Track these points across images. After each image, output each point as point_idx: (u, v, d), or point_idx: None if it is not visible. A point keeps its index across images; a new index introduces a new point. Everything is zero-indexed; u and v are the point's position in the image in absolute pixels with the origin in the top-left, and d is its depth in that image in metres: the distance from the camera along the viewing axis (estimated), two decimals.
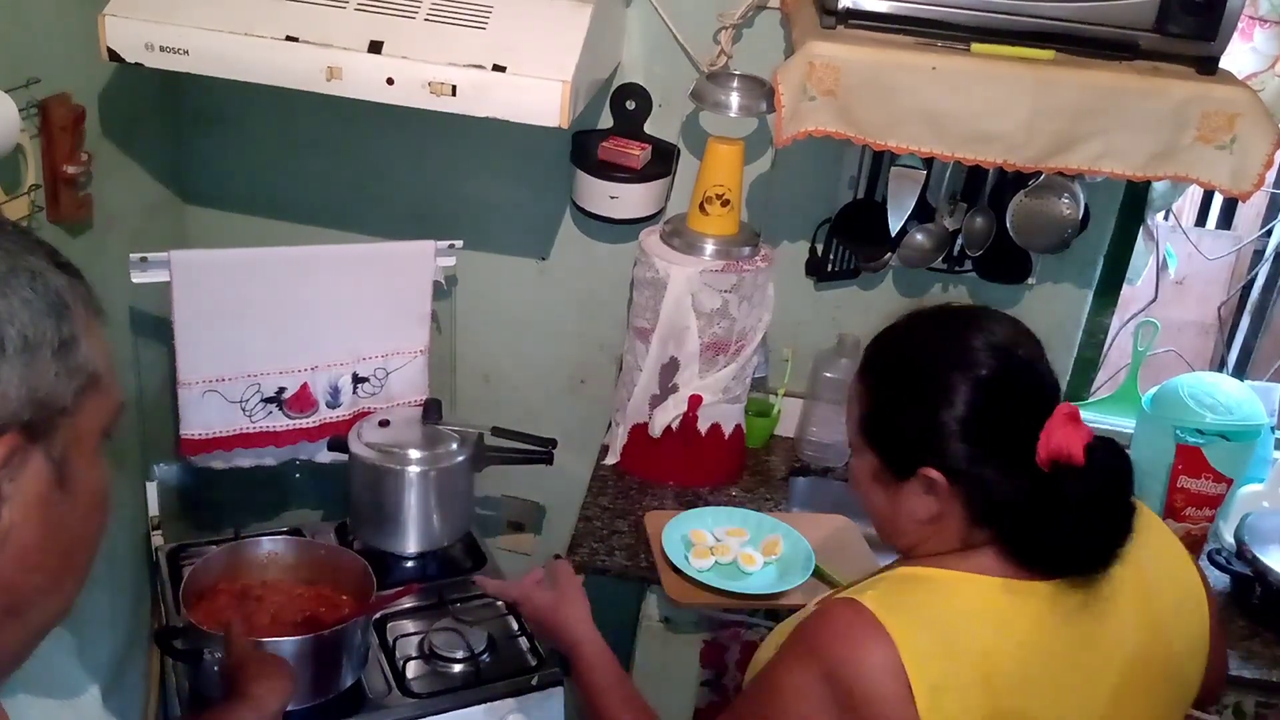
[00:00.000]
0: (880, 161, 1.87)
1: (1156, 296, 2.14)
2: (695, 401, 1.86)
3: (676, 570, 1.65)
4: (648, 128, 1.93)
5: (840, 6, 1.56)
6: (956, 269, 1.97)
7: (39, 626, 0.66)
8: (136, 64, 1.56)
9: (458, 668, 1.60)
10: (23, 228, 0.65)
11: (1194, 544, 1.77)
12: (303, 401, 1.89)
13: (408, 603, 1.71)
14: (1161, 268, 2.10)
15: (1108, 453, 1.02)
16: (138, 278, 1.71)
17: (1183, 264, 2.38)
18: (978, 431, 1.03)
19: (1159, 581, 1.10)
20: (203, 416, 1.82)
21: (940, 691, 0.97)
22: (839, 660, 0.99)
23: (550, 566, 1.45)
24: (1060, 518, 1.01)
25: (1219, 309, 2.47)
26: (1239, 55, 1.75)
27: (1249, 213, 2.72)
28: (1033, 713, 1.01)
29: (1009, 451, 1.03)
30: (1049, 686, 1.03)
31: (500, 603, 1.75)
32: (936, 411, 1.04)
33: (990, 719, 0.99)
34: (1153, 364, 2.10)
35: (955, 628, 1.01)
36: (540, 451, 1.91)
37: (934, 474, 1.05)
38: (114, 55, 1.55)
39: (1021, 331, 1.09)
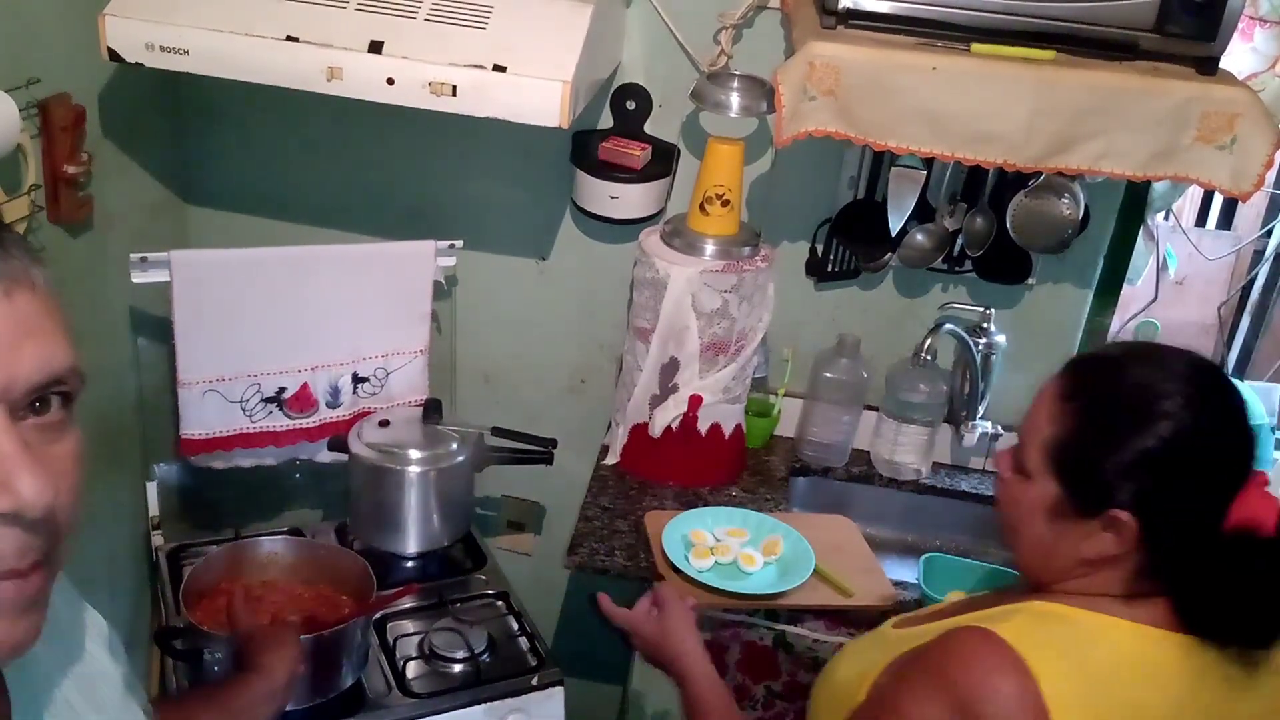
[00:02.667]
0: (880, 161, 1.87)
1: (1156, 296, 2.14)
2: (695, 401, 1.86)
3: (676, 570, 1.65)
4: (648, 128, 1.93)
5: (840, 6, 1.56)
6: (956, 269, 1.97)
7: None
8: (136, 64, 1.56)
9: (458, 668, 1.60)
10: None
11: None
12: (303, 401, 1.89)
13: (408, 603, 1.71)
14: (1161, 268, 2.11)
15: None
16: (138, 278, 1.71)
17: (1183, 264, 2.38)
18: (1184, 482, 0.98)
19: None
20: (203, 416, 1.82)
21: None
22: (972, 690, 0.95)
23: (656, 592, 1.37)
24: (1241, 585, 0.97)
25: (1219, 309, 2.48)
26: (1239, 55, 1.76)
27: (1249, 213, 2.72)
28: None
29: (1204, 508, 0.99)
30: None
31: (500, 603, 1.76)
32: (1150, 453, 0.97)
33: None
34: None
35: (1105, 675, 0.98)
36: (540, 451, 1.91)
37: (1124, 516, 0.99)
38: (114, 55, 1.55)
39: (1231, 382, 1.04)
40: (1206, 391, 1.00)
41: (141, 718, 0.87)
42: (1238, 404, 1.01)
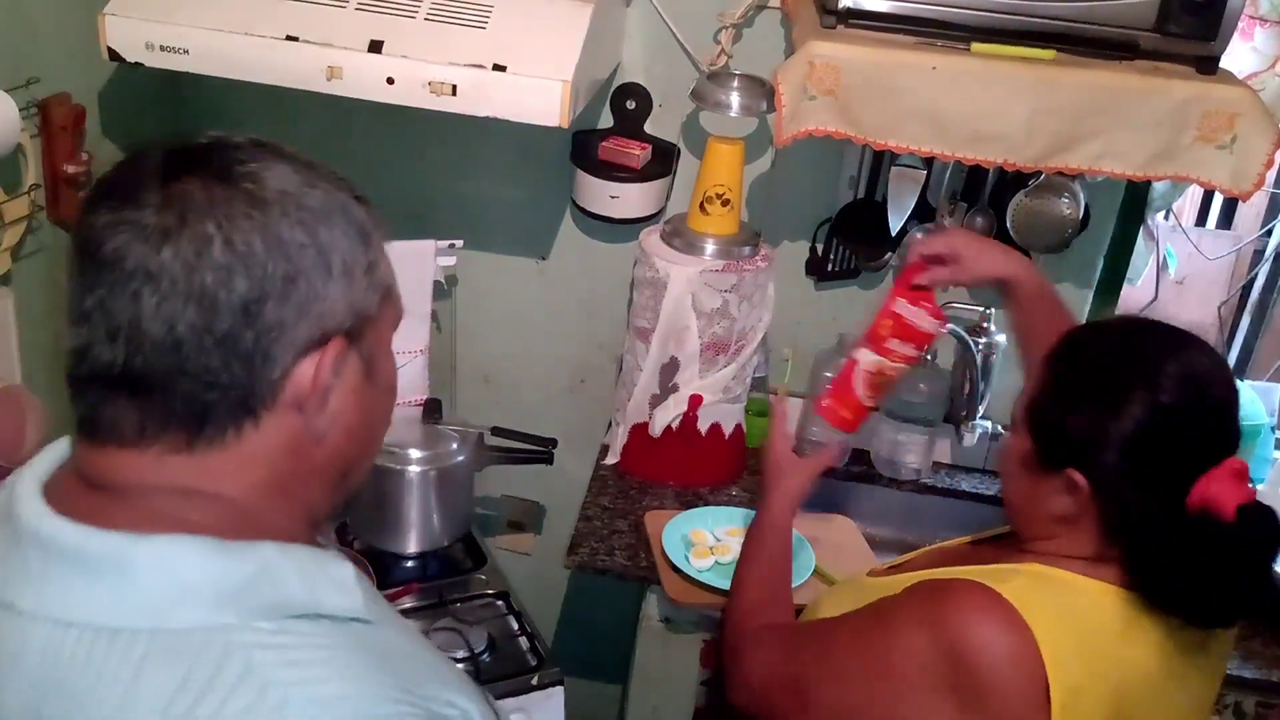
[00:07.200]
0: (880, 161, 1.87)
1: (1156, 296, 2.14)
2: (695, 401, 1.86)
3: (676, 570, 1.65)
4: (648, 127, 1.93)
5: (840, 6, 1.56)
6: None
7: (355, 487, 0.81)
8: (136, 64, 1.56)
9: (458, 667, 1.60)
10: (327, 166, 0.76)
11: None
12: None
13: (408, 603, 1.71)
14: (1161, 268, 2.10)
15: (1261, 519, 1.00)
16: None
17: (1183, 264, 2.37)
18: (1137, 453, 1.01)
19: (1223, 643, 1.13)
20: None
21: (1078, 695, 0.98)
22: (969, 641, 0.99)
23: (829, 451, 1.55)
24: (1192, 565, 1.00)
25: (1219, 309, 2.47)
26: (1239, 55, 1.75)
27: (1249, 213, 2.71)
28: None
29: (1163, 482, 1.01)
30: (1163, 709, 1.04)
31: (500, 603, 1.75)
32: (1104, 420, 1.01)
33: None
34: None
35: (1094, 634, 1.02)
36: (540, 451, 1.91)
37: (1078, 478, 1.03)
38: (114, 55, 1.55)
39: (1221, 370, 1.05)
40: (1182, 373, 1.01)
41: None
42: (1218, 390, 1.03)
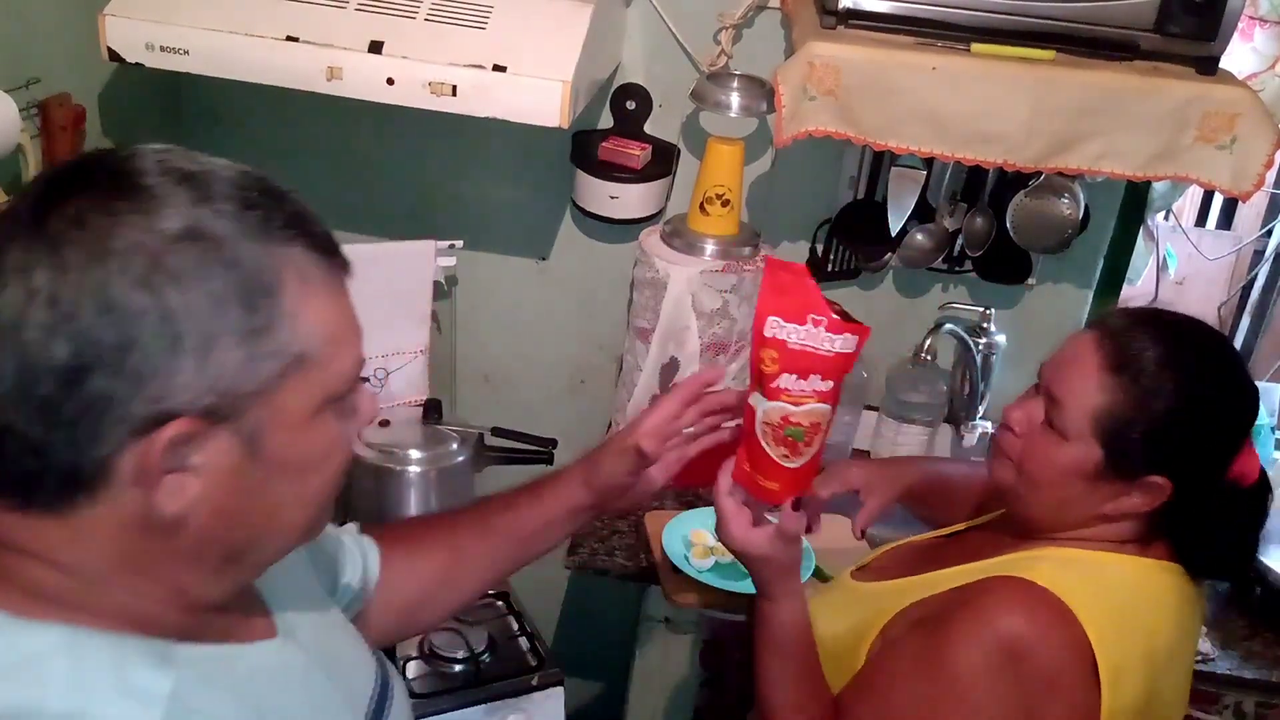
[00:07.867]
0: (880, 161, 1.87)
1: (1156, 296, 2.14)
2: None
3: (676, 570, 1.65)
4: (648, 128, 1.93)
5: (840, 6, 1.56)
6: (956, 269, 1.97)
7: (262, 562, 0.73)
8: (136, 64, 1.56)
9: (458, 668, 1.60)
10: (256, 193, 0.65)
11: None
12: None
13: None
14: (1161, 268, 2.10)
15: (1265, 477, 1.12)
16: None
17: (1183, 264, 2.37)
18: (1217, 448, 1.07)
19: None
20: None
21: (1120, 671, 1.01)
22: (1024, 636, 1.00)
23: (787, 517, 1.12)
24: (1237, 531, 1.10)
25: (1219, 309, 2.48)
26: (1239, 55, 1.75)
27: (1249, 213, 2.71)
28: (1164, 691, 1.07)
29: (1222, 469, 1.08)
30: (1178, 667, 1.09)
31: (500, 603, 1.75)
32: (1196, 430, 1.05)
33: (1144, 696, 1.03)
34: None
35: (1127, 608, 1.06)
36: (540, 451, 1.91)
37: (1162, 481, 1.05)
38: (114, 55, 1.55)
39: (1241, 358, 1.15)
40: (1231, 365, 1.10)
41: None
42: (1248, 375, 1.11)
